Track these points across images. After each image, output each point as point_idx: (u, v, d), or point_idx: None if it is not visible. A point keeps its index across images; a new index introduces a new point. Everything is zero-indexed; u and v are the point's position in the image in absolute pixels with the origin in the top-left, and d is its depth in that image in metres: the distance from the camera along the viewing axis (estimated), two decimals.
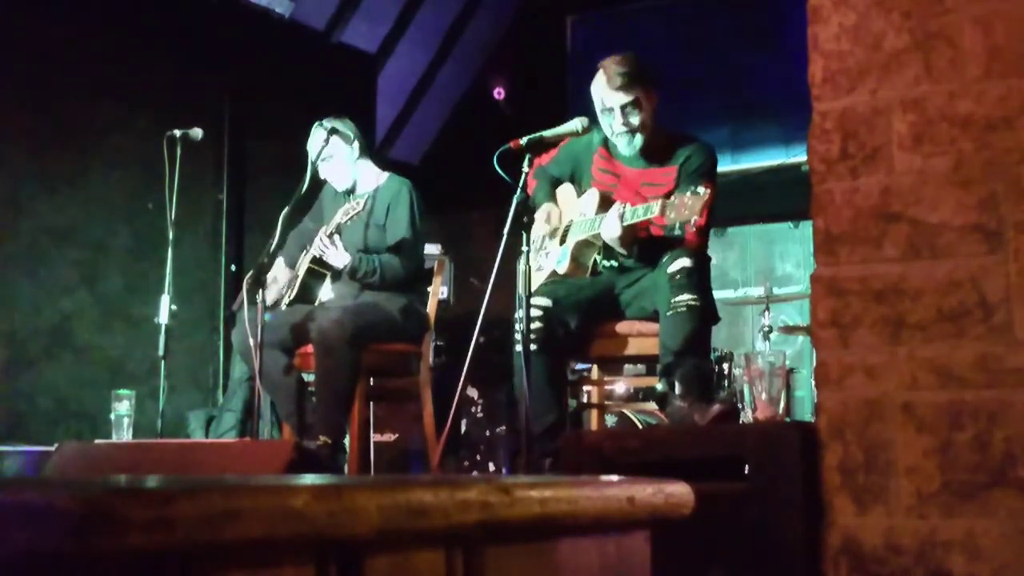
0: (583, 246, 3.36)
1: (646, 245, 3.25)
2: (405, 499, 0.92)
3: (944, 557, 1.70)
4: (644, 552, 1.27)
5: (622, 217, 3.13)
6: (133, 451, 3.32)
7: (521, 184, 3.02)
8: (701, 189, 2.96)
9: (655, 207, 3.05)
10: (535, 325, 3.12)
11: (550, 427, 3.18)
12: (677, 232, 3.12)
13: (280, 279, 3.95)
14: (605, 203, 3.33)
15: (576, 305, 3.27)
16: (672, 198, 3.02)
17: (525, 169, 3.06)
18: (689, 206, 2.94)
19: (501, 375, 6.20)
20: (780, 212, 7.11)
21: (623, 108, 3.27)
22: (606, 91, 3.28)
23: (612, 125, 3.32)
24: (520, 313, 2.93)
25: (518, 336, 3.02)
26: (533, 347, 3.12)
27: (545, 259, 3.51)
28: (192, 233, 5.34)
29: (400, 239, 3.92)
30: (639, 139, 3.32)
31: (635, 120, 3.29)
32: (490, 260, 2.97)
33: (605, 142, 3.44)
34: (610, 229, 3.17)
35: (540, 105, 7.54)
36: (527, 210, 3.14)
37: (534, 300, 3.17)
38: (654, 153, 3.37)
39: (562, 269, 3.38)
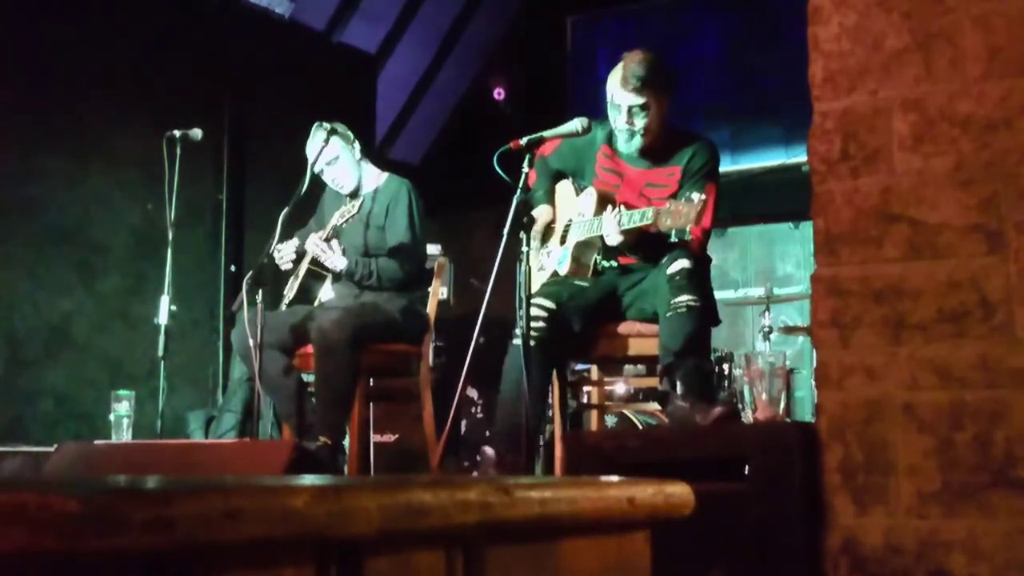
0: (583, 247, 3.35)
1: (653, 244, 3.21)
2: (405, 499, 0.92)
3: (944, 557, 1.69)
4: (644, 552, 1.27)
5: (619, 222, 3.12)
6: (133, 451, 3.32)
7: (521, 183, 3.01)
8: (696, 195, 2.95)
9: (650, 213, 3.04)
10: (538, 325, 3.11)
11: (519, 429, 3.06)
12: (686, 237, 3.10)
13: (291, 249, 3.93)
14: (603, 203, 3.32)
15: (581, 308, 3.26)
16: (668, 204, 3.01)
17: (526, 169, 3.05)
18: (684, 213, 2.93)
19: (501, 375, 6.19)
20: (780, 212, 7.11)
21: (630, 109, 3.26)
22: (618, 88, 3.26)
23: (616, 120, 3.31)
24: (522, 312, 2.91)
25: (518, 332, 2.99)
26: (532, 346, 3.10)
27: (547, 259, 3.50)
28: (192, 233, 5.34)
29: (399, 241, 3.91)
30: (639, 140, 3.30)
31: (639, 122, 3.27)
32: (490, 260, 2.96)
33: (609, 139, 3.42)
34: (611, 236, 3.16)
35: (540, 105, 7.54)
36: (527, 210, 3.13)
37: (538, 301, 3.17)
38: (658, 153, 3.36)
39: (564, 270, 3.37)
